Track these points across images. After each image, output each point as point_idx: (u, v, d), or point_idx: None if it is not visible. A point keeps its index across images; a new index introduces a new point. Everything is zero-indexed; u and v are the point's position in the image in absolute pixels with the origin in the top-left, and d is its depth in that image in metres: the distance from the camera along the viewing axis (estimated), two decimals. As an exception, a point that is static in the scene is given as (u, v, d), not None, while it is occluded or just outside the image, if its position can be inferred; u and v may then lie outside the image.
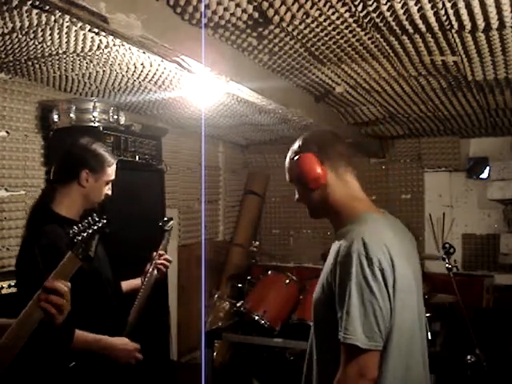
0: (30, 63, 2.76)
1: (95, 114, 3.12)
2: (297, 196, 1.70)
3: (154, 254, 2.31)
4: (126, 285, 2.32)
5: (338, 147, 1.63)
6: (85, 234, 1.48)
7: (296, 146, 1.67)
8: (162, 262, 2.31)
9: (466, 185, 5.04)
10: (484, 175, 4.87)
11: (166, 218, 2.44)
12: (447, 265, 3.39)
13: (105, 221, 1.54)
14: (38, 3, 1.91)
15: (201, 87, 2.96)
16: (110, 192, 2.13)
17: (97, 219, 1.53)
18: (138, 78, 2.96)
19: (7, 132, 3.09)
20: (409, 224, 4.91)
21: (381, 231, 1.49)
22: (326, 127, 1.70)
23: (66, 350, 1.80)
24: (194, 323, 4.71)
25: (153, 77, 2.91)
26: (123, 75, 2.91)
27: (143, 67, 2.74)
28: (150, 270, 2.28)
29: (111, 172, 2.11)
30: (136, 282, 2.34)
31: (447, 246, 3.47)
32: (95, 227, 1.51)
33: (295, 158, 1.63)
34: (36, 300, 1.35)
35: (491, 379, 3.41)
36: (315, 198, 1.61)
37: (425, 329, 1.59)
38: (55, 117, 3.16)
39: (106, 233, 1.57)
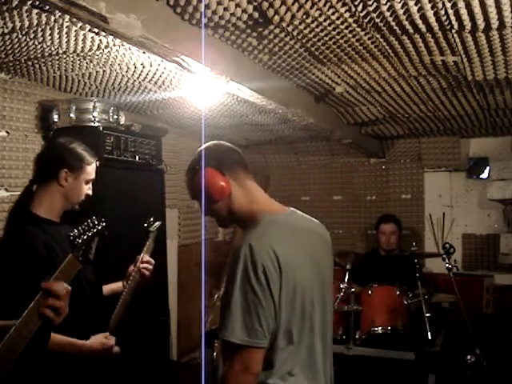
0: (30, 63, 2.76)
1: (95, 113, 3.12)
2: (203, 210, 1.72)
3: (138, 257, 2.25)
4: (106, 288, 2.26)
5: (233, 156, 1.71)
6: (85, 237, 1.50)
7: (193, 163, 1.71)
8: (145, 265, 2.24)
9: (466, 185, 5.04)
10: (484, 175, 4.87)
11: (151, 219, 2.36)
12: (447, 265, 3.39)
13: (104, 224, 1.57)
14: (37, 3, 1.91)
15: (201, 87, 2.96)
16: (90, 192, 2.08)
17: (96, 222, 1.56)
18: (138, 78, 2.96)
19: (7, 132, 3.10)
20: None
21: (271, 234, 1.53)
22: (217, 141, 1.79)
23: (42, 353, 1.72)
24: (194, 323, 4.71)
25: (153, 77, 2.91)
26: (123, 75, 2.91)
27: (143, 67, 2.74)
28: (133, 274, 2.20)
29: (91, 171, 2.07)
30: (117, 285, 2.28)
31: (447, 245, 3.47)
32: (95, 230, 1.54)
33: (197, 175, 1.67)
34: (36, 303, 1.35)
35: (491, 379, 3.42)
36: (221, 209, 1.67)
37: (330, 326, 1.68)
38: (55, 117, 3.16)
39: (106, 235, 1.58)
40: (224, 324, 1.45)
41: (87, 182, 2.06)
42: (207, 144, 1.75)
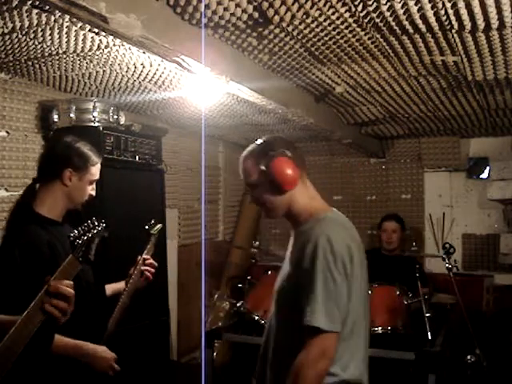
0: (30, 63, 2.76)
1: (95, 113, 3.12)
2: (253, 197, 1.75)
3: (139, 257, 2.23)
4: (109, 288, 2.24)
5: (299, 152, 1.76)
6: (85, 238, 1.50)
7: (265, 148, 1.71)
8: (147, 268, 2.22)
9: (466, 185, 5.04)
10: (484, 175, 4.87)
11: (152, 221, 2.34)
12: (447, 265, 3.39)
13: (104, 225, 1.57)
14: (37, 3, 1.91)
15: (201, 87, 2.96)
16: (93, 192, 2.06)
17: (96, 223, 1.56)
18: (138, 78, 2.96)
19: (7, 132, 3.09)
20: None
21: (341, 229, 1.66)
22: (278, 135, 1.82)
23: (45, 355, 1.73)
24: (194, 323, 4.71)
25: (153, 77, 2.91)
26: (123, 75, 2.91)
27: (143, 67, 2.74)
28: (133, 276, 2.18)
29: (95, 171, 2.05)
30: (119, 285, 2.25)
31: (447, 245, 3.47)
32: (95, 231, 1.54)
33: (270, 161, 1.66)
34: (39, 303, 1.35)
35: (491, 379, 3.42)
36: (282, 200, 1.71)
37: (369, 315, 1.78)
38: (55, 117, 3.16)
39: (106, 236, 1.58)
40: (309, 310, 1.52)
41: (91, 183, 2.04)
42: (274, 135, 1.80)
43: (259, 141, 1.75)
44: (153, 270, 2.24)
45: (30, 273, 1.73)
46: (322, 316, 1.51)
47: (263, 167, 1.67)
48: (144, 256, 2.23)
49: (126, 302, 2.15)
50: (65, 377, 1.85)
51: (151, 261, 2.25)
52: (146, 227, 2.32)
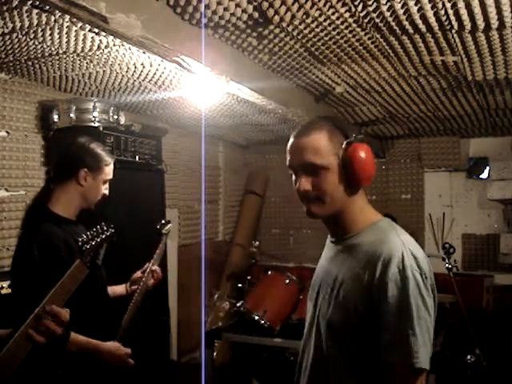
0: (30, 63, 2.76)
1: (95, 113, 3.12)
2: (308, 186, 1.36)
3: (148, 263, 2.30)
4: (111, 290, 2.28)
5: None
6: (93, 243, 1.50)
7: (340, 127, 1.37)
8: (154, 277, 2.30)
9: (466, 185, 5.04)
10: (484, 175, 4.87)
11: (163, 221, 2.40)
12: (447, 265, 3.39)
13: (113, 230, 1.57)
14: (37, 3, 1.91)
15: (201, 87, 2.96)
16: (107, 192, 2.13)
17: (105, 228, 1.56)
18: (138, 78, 2.96)
19: (7, 132, 3.09)
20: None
21: (412, 239, 1.34)
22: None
23: (61, 352, 1.77)
24: (194, 323, 4.71)
25: (153, 77, 2.91)
26: (123, 75, 2.91)
27: (143, 67, 2.74)
28: (145, 275, 2.26)
29: (109, 171, 2.11)
30: (119, 289, 2.31)
31: (447, 246, 3.47)
32: (103, 236, 1.54)
33: (352, 147, 1.33)
34: (33, 320, 1.35)
35: (491, 379, 3.41)
36: (345, 196, 1.37)
37: None
38: (55, 117, 3.16)
39: (114, 242, 1.58)
40: (410, 347, 1.21)
41: (105, 182, 2.10)
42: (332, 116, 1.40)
43: (321, 118, 1.40)
44: (160, 276, 2.32)
45: (49, 271, 1.75)
46: (423, 354, 1.21)
47: (342, 151, 1.33)
48: (155, 257, 2.30)
49: (139, 300, 2.22)
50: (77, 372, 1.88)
51: (158, 272, 2.31)
52: (158, 227, 2.37)
